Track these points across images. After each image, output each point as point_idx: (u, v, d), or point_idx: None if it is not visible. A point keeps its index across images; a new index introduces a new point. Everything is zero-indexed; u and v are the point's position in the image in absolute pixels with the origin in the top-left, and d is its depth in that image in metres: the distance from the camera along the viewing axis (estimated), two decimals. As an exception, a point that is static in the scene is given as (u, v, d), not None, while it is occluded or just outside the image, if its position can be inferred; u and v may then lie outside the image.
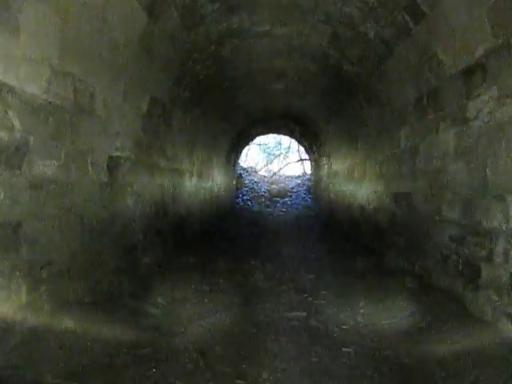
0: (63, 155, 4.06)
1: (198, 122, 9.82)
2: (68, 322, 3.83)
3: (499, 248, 3.98)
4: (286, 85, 10.82)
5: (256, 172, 25.29)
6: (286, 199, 20.85)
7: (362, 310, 5.14)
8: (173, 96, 7.39)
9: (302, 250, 9.68)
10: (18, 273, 3.44)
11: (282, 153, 29.46)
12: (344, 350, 4.06)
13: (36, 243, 3.67)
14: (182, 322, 4.71)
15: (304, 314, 5.07)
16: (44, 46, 3.61)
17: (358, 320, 4.86)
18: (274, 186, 22.58)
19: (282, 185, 22.93)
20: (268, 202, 20.14)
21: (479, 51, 4.19)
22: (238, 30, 7.22)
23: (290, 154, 29.00)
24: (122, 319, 4.44)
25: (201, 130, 10.42)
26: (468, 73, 4.49)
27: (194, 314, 4.98)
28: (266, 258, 8.39)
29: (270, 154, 29.93)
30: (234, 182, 19.31)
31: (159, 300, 5.39)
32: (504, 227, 3.91)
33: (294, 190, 22.15)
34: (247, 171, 23.94)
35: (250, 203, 19.78)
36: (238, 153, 18.95)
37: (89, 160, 4.62)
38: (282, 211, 18.40)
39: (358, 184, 9.95)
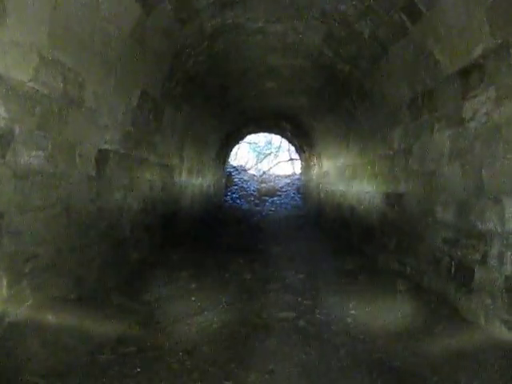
0: (50, 146, 3.93)
1: (189, 118, 9.70)
2: (51, 318, 3.71)
3: (494, 251, 3.92)
4: (279, 83, 10.73)
5: (246, 171, 25.19)
6: (275, 198, 20.78)
7: (352, 312, 5.07)
8: (164, 91, 7.26)
9: (291, 249, 9.60)
10: (-1, 266, 3.32)
11: (272, 152, 29.42)
12: (335, 351, 3.98)
13: (19, 235, 3.54)
14: (169, 320, 4.62)
15: (294, 314, 4.98)
16: (33, 32, 3.48)
17: (348, 321, 4.78)
18: (263, 185, 22.50)
19: (272, 184, 22.86)
20: (257, 201, 20.05)
21: (477, 51, 4.12)
22: (232, 26, 7.12)
23: (280, 154, 28.99)
24: (107, 316, 4.35)
25: (192, 127, 10.30)
26: (465, 73, 4.42)
27: (181, 312, 4.89)
28: (255, 256, 8.32)
29: (260, 152, 29.87)
30: (224, 180, 19.21)
31: (146, 297, 5.31)
32: (499, 230, 3.84)
33: (284, 190, 22.09)
34: (237, 170, 23.83)
35: (239, 201, 19.68)
36: (228, 151, 18.85)
37: (77, 152, 4.49)
38: (270, 210, 18.33)
39: (349, 184, 9.89)
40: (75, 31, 4.11)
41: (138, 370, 3.44)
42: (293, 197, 20.82)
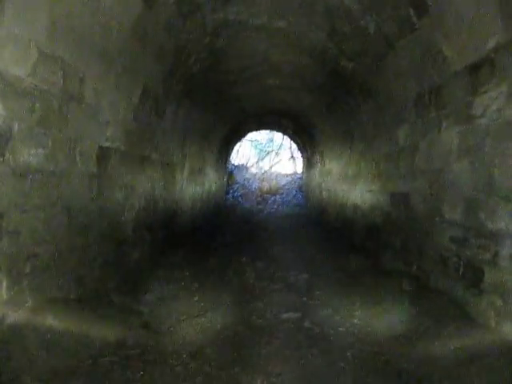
0: (50, 143, 3.84)
1: (191, 115, 9.60)
2: (51, 320, 3.62)
3: (505, 251, 3.81)
4: (281, 80, 10.62)
5: (247, 169, 25.09)
6: (277, 197, 20.69)
7: (358, 312, 4.97)
8: (166, 87, 7.17)
9: (293, 247, 9.50)
10: (-2, 267, 3.23)
11: (273, 150, 29.29)
12: (341, 354, 3.89)
13: (19, 235, 3.45)
14: (171, 321, 4.54)
15: (298, 314, 4.89)
16: (31, 26, 3.38)
17: (354, 322, 4.68)
18: (265, 183, 22.39)
19: (274, 182, 22.74)
20: (259, 199, 19.96)
21: (488, 45, 4.01)
22: (234, 22, 7.02)
23: (281, 152, 28.86)
24: (108, 317, 4.26)
25: (193, 124, 10.21)
26: (475, 69, 4.31)
27: (184, 312, 4.80)
28: (257, 255, 8.23)
29: (261, 150, 29.73)
30: (226, 178, 19.11)
31: (148, 297, 5.22)
32: (511, 229, 3.74)
33: (286, 188, 22.00)
34: (238, 168, 23.74)
35: (240, 200, 19.59)
36: (229, 148, 18.74)
37: (77, 150, 4.40)
38: (272, 208, 18.24)
39: (352, 182, 9.78)
40: (75, 26, 4.01)
41: (141, 373, 3.36)
42: (295, 195, 20.73)
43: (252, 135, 23.95)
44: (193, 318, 4.67)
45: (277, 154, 28.71)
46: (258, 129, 19.71)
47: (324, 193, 13.80)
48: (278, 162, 28.01)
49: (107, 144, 5.15)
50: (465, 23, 4.24)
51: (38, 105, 3.58)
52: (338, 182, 11.65)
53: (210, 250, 8.48)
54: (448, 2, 4.35)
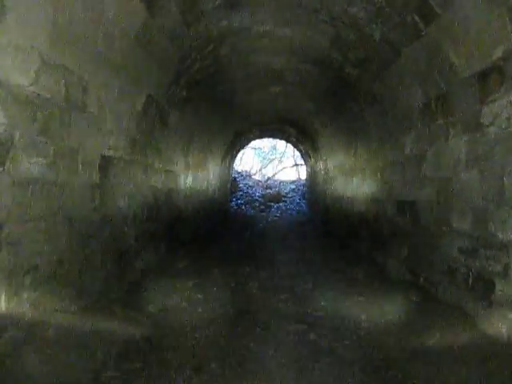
0: (52, 153, 3.77)
1: (194, 123, 9.56)
2: (51, 333, 3.54)
3: (517, 263, 3.74)
4: (285, 88, 10.58)
5: (250, 176, 25.11)
6: (281, 204, 20.65)
7: (365, 324, 4.86)
8: (170, 95, 7.12)
9: (297, 256, 9.41)
10: (-3, 279, 3.16)
11: (276, 157, 29.29)
12: (349, 368, 3.79)
13: (19, 247, 3.37)
14: (175, 333, 4.44)
15: (303, 326, 4.79)
16: (33, 33, 3.32)
17: (361, 335, 4.58)
18: (268, 191, 22.37)
19: (277, 189, 22.73)
20: (262, 207, 19.91)
21: (497, 53, 3.94)
22: (238, 29, 6.97)
23: (284, 159, 28.87)
24: (110, 329, 4.16)
25: (197, 132, 10.16)
26: (483, 76, 4.24)
27: (188, 324, 4.70)
28: (261, 264, 8.14)
29: (264, 158, 29.78)
30: (229, 186, 19.06)
31: (151, 308, 5.12)
32: (523, 240, 3.67)
33: (289, 195, 21.97)
34: (242, 175, 23.73)
35: (244, 207, 19.54)
36: (233, 156, 18.71)
37: (79, 159, 4.33)
38: (276, 216, 18.17)
39: (357, 190, 9.71)
40: (78, 33, 3.95)
41: (144, 388, 3.27)
42: (298, 203, 20.68)
43: (255, 143, 23.94)
44: (197, 329, 4.57)
45: (280, 161, 28.72)
46: (261, 137, 19.69)
47: (328, 200, 13.72)
48: (281, 169, 28.00)
49: (110, 153, 5.09)
50: (473, 30, 4.17)
51: (39, 113, 3.52)
52: (342, 189, 11.57)
53: (214, 258, 8.39)
54: (456, 9, 4.28)
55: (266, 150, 29.53)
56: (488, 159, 4.20)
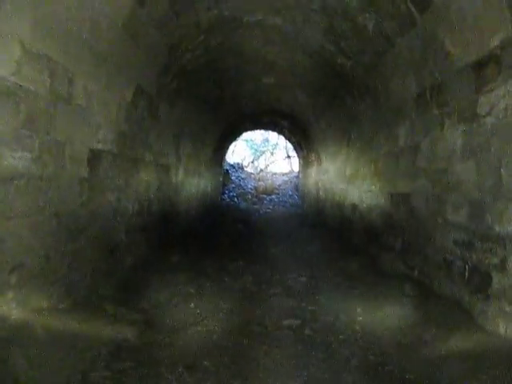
0: (37, 146, 3.65)
1: (186, 115, 9.43)
2: (38, 332, 3.43)
3: (514, 255, 3.66)
4: (276, 78, 10.47)
5: (243, 168, 24.99)
6: (273, 196, 20.58)
7: (359, 318, 4.79)
8: (159, 87, 6.99)
9: (290, 249, 9.34)
10: (-19, 278, 3.05)
11: (268, 149, 29.19)
12: (344, 363, 3.72)
13: (3, 244, 3.26)
14: (167, 330, 4.35)
15: (298, 321, 4.71)
16: (13, 21, 3.18)
17: (356, 329, 4.51)
18: (260, 183, 22.28)
19: (269, 182, 22.65)
20: (255, 199, 19.84)
21: (494, 42, 3.85)
22: (229, 19, 6.86)
23: (277, 151, 28.78)
24: (100, 327, 4.06)
25: (188, 124, 10.04)
26: (480, 65, 4.14)
27: (180, 320, 4.61)
28: (254, 257, 8.08)
29: (256, 150, 29.64)
30: (221, 179, 18.95)
31: (142, 304, 5.02)
32: (521, 233, 3.59)
33: (281, 188, 21.90)
34: (234, 167, 23.61)
35: (236, 200, 19.44)
36: (225, 148, 18.59)
37: (67, 153, 4.21)
38: (268, 208, 18.10)
39: (350, 182, 9.62)
40: (62, 21, 3.82)
41: (134, 389, 3.18)
42: (291, 195, 20.62)
43: (247, 135, 23.85)
44: (190, 326, 4.48)
45: (272, 153, 28.62)
46: (253, 128, 19.58)
47: (321, 192, 13.64)
48: (273, 161, 27.92)
49: (99, 146, 4.97)
50: (469, 18, 4.08)
51: (23, 106, 3.39)
52: (335, 181, 11.49)
53: (206, 252, 8.28)
54: (452, -3, 4.18)
55: (258, 142, 29.40)
56: (485, 150, 4.11)
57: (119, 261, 5.79)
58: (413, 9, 4.88)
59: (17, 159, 3.37)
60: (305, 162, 17.60)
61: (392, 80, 6.35)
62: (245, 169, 25.37)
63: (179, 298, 5.38)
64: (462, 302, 4.43)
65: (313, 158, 15.16)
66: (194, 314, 4.86)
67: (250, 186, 21.67)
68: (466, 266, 4.40)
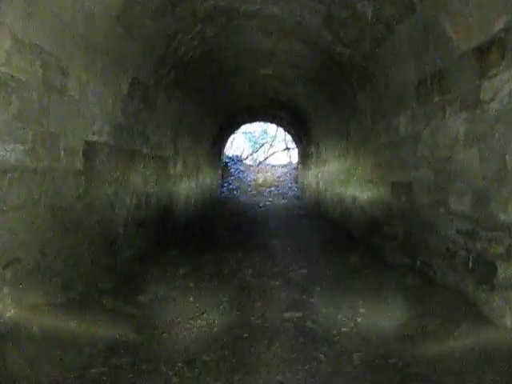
0: (30, 139, 3.57)
1: (183, 107, 9.33)
2: (35, 329, 3.35)
3: (520, 244, 3.58)
4: (275, 69, 10.36)
5: (242, 161, 24.90)
6: (273, 188, 20.50)
7: (361, 310, 4.72)
8: (156, 78, 6.89)
9: (290, 241, 9.25)
10: (-26, 274, 2.97)
11: (267, 142, 29.07)
12: (347, 357, 3.65)
13: (-3, 239, 3.19)
14: (166, 324, 4.29)
15: (299, 314, 4.64)
16: (3, 9, 3.08)
17: (358, 321, 4.44)
18: (260, 175, 22.21)
19: (269, 174, 22.56)
20: (254, 192, 19.77)
21: (498, 25, 3.75)
22: (226, 9, 6.74)
23: (275, 143, 28.66)
24: (98, 322, 4.00)
25: (186, 117, 9.94)
26: (483, 50, 4.03)
27: (179, 314, 4.55)
28: (254, 250, 7.98)
29: (255, 142, 29.53)
30: (220, 171, 18.87)
31: (141, 298, 4.96)
32: (527, 221, 3.50)
33: (281, 180, 21.82)
34: (233, 160, 23.53)
35: (235, 192, 19.38)
36: (223, 141, 18.51)
37: (61, 145, 4.12)
38: (268, 201, 18.02)
39: (350, 173, 9.53)
40: (54, 12, 3.72)
41: (133, 384, 3.11)
42: (290, 187, 20.54)
43: (245, 127, 23.75)
44: (189, 320, 4.41)
45: (271, 145, 28.52)
46: (251, 121, 19.49)
47: (321, 183, 13.56)
48: (272, 153, 27.81)
49: (94, 138, 4.88)
50: (471, 2, 3.97)
51: (14, 97, 3.30)
52: (335, 172, 11.40)
53: (205, 245, 8.21)
54: (453, -19, 4.08)
55: (257, 134, 29.29)
56: (488, 137, 4.02)
57: (118, 255, 5.72)
58: (413, -6, 4.78)
59: (9, 151, 3.29)
60: (304, 154, 17.50)
61: (392, 68, 6.25)
62: (244, 161, 25.27)
63: (178, 291, 5.33)
64: (466, 293, 4.35)
65: (312, 150, 15.06)
66: (194, 307, 4.80)
67: (249, 179, 21.60)
68: (470, 256, 4.32)
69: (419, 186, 5.65)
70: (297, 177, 20.75)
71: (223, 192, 19.02)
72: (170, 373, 3.29)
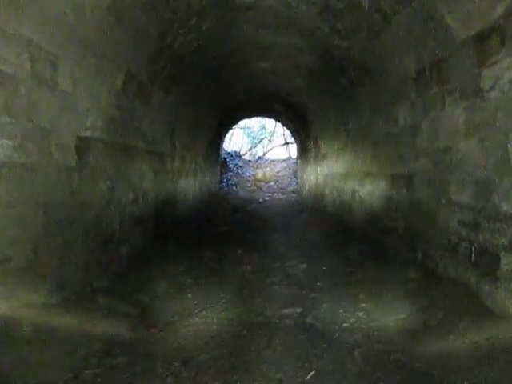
0: (19, 134, 3.46)
1: (180, 102, 9.21)
2: (26, 329, 3.27)
3: (524, 235, 3.49)
4: (272, 63, 10.24)
5: (240, 156, 24.79)
6: (272, 183, 20.42)
7: (363, 305, 4.64)
8: (151, 72, 6.78)
9: (290, 236, 9.20)
10: (-38, 274, 2.88)
11: (266, 137, 28.94)
12: (348, 353, 3.56)
13: (-14, 238, 3.10)
14: (163, 322, 4.19)
15: (299, 310, 4.56)
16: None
17: (359, 316, 4.35)
18: (259, 171, 22.11)
19: (268, 169, 22.46)
20: (253, 187, 19.67)
21: (497, 12, 3.66)
22: (221, 1, 6.63)
23: (274, 138, 28.53)
24: (93, 321, 3.91)
25: (183, 112, 9.83)
26: (482, 38, 3.94)
27: (176, 312, 4.47)
28: (254, 245, 7.91)
29: (254, 138, 29.38)
30: (219, 167, 18.77)
31: (138, 296, 4.87)
32: (530, 211, 3.42)
33: (280, 175, 21.72)
34: (232, 155, 23.41)
35: (234, 188, 19.28)
36: (222, 136, 18.40)
37: (53, 140, 4.02)
38: (267, 196, 17.95)
39: (350, 166, 9.44)
40: (42, 3, 3.61)
41: (128, 385, 3.02)
42: (289, 181, 20.45)
43: (244, 123, 23.65)
44: (186, 317, 4.33)
45: (270, 140, 28.39)
46: (250, 116, 19.39)
47: (320, 178, 13.46)
48: (271, 148, 27.70)
49: (87, 134, 4.78)
50: (471, -12, 3.88)
51: (1, 91, 3.20)
52: (334, 165, 11.30)
53: (204, 241, 8.13)
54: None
55: (256, 129, 29.15)
56: (489, 126, 3.92)
57: (114, 252, 5.63)
58: (410, -18, 4.68)
59: (-4, 147, 3.19)
60: (303, 148, 17.38)
61: (389, 59, 6.15)
62: (243, 157, 25.17)
63: (176, 288, 5.25)
64: (469, 285, 4.26)
65: (311, 144, 14.95)
66: (192, 305, 4.72)
67: (248, 174, 21.50)
68: (473, 248, 4.24)
69: (419, 178, 5.56)
70: (296, 171, 20.64)
71: (222, 187, 18.92)
72: (167, 373, 3.19)
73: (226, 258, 6.84)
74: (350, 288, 5.19)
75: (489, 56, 3.89)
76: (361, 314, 4.42)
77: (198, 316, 4.37)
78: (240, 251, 7.34)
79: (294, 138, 19.89)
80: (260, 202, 16.18)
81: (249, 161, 24.43)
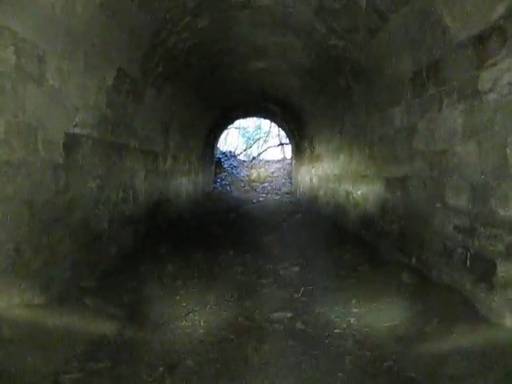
0: (3, 130, 3.35)
1: (174, 101, 9.11)
2: (6, 331, 3.15)
3: (521, 241, 3.40)
4: (268, 63, 10.16)
5: (235, 156, 24.72)
6: (266, 184, 20.35)
7: (355, 310, 4.54)
8: (144, 70, 6.67)
9: (283, 238, 9.09)
10: None
11: (261, 137, 28.91)
12: (339, 360, 3.46)
13: (-35, 236, 2.98)
14: (149, 326, 4.08)
15: (289, 314, 4.46)
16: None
17: (351, 322, 4.25)
18: (253, 171, 22.03)
19: (262, 169, 22.39)
20: (247, 188, 19.58)
21: (497, 12, 3.57)
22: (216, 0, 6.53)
23: (269, 139, 28.51)
24: (78, 323, 3.80)
25: (177, 111, 9.72)
26: (481, 38, 3.85)
27: (164, 315, 4.34)
28: (246, 247, 7.80)
29: (249, 138, 29.37)
30: (213, 167, 18.67)
31: (125, 298, 4.75)
32: (528, 217, 3.32)
33: (274, 175, 21.66)
34: (226, 155, 23.33)
35: (228, 188, 19.19)
36: (216, 136, 18.31)
37: (39, 137, 3.90)
38: (261, 196, 17.86)
39: (344, 168, 9.34)
40: (29, -6, 3.50)
41: (110, 392, 2.91)
42: (284, 182, 20.38)
43: (239, 123, 23.59)
44: (174, 321, 4.22)
45: (265, 141, 28.36)
46: (245, 116, 19.31)
47: (314, 179, 13.37)
48: (266, 149, 27.66)
49: (76, 130, 4.66)
50: (470, -13, 3.79)
51: (-17, 84, 3.09)
52: (329, 167, 11.21)
53: (196, 242, 8.00)
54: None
55: (251, 129, 29.14)
56: (487, 129, 3.83)
57: (103, 252, 5.51)
58: (408, -19, 4.60)
59: (-22, 143, 3.08)
60: (298, 149, 17.31)
61: (386, 59, 6.06)
62: (237, 157, 25.10)
63: (165, 290, 5.14)
64: (464, 292, 4.16)
65: (306, 145, 14.87)
66: (180, 307, 4.61)
67: (242, 174, 21.42)
68: (468, 253, 4.14)
69: (415, 181, 5.47)
70: (290, 172, 20.58)
71: (216, 188, 18.82)
72: (150, 379, 3.08)
73: (217, 260, 6.73)
74: (342, 292, 5.10)
75: (488, 57, 3.79)
76: (353, 319, 4.32)
77: (185, 319, 4.26)
78: (232, 252, 7.24)
79: (289, 139, 19.84)
80: (254, 203, 16.08)
81: (243, 161, 24.38)
